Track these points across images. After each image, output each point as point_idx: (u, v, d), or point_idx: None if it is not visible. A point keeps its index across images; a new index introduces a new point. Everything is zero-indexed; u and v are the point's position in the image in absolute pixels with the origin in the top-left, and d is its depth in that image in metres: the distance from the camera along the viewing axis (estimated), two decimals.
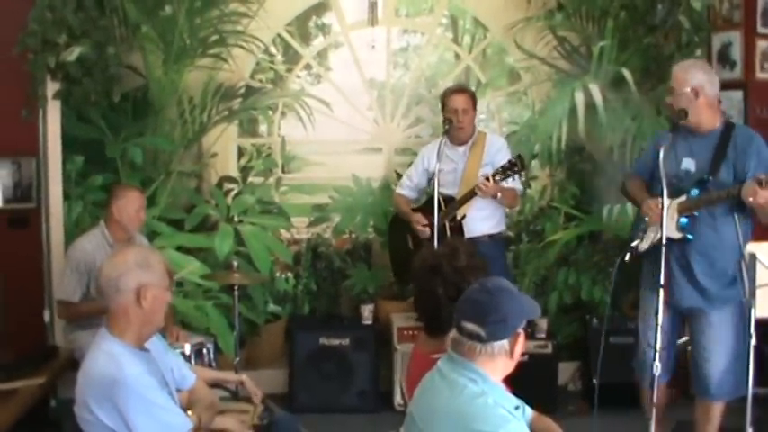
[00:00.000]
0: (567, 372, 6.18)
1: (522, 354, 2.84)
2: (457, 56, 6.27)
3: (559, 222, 6.43)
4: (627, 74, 6.24)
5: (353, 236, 6.16)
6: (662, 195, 4.09)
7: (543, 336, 5.89)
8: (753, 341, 3.98)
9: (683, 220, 4.44)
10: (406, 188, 5.74)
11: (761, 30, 6.41)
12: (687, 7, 6.37)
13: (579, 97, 6.35)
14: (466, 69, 6.26)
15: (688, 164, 4.48)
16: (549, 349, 5.89)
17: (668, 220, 4.23)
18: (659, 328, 4.11)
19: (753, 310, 3.96)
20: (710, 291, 4.33)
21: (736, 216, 4.40)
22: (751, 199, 4.11)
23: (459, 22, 6.27)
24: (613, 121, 6.33)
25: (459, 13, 6.24)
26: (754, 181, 4.10)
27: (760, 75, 6.46)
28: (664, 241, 4.13)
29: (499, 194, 5.33)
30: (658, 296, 4.24)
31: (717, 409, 4.67)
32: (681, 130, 4.48)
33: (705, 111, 4.48)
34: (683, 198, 4.43)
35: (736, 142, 4.43)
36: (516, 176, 5.37)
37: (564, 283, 6.30)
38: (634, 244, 4.59)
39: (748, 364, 4.14)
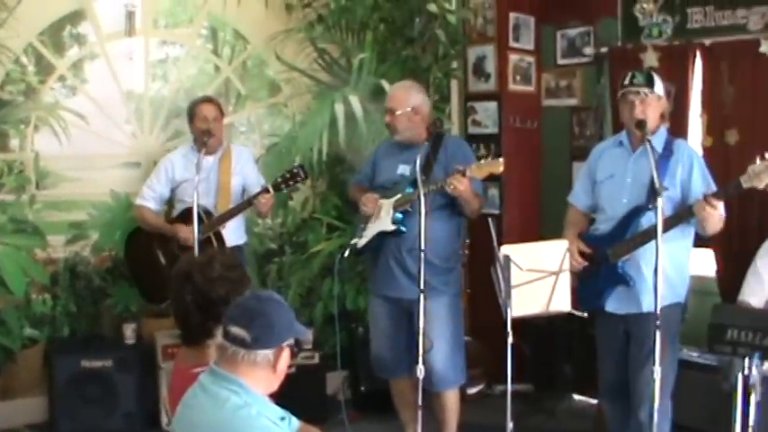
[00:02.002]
0: (335, 381, 6.21)
1: (290, 366, 2.82)
2: (217, 68, 6.19)
3: (322, 233, 6.49)
4: (386, 85, 6.36)
5: (113, 253, 5.93)
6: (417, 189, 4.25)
7: (310, 347, 5.89)
8: (510, 339, 4.13)
9: (398, 215, 4.85)
10: (150, 200, 5.57)
11: (513, 44, 6.74)
12: (444, 21, 6.62)
13: (339, 109, 6.44)
14: (226, 81, 6.20)
15: (404, 169, 4.93)
16: (317, 360, 5.92)
17: (384, 217, 4.86)
18: (421, 331, 4.31)
19: (509, 310, 4.11)
20: (424, 282, 4.44)
21: (447, 211, 4.89)
22: (451, 188, 4.55)
23: (220, 33, 6.19)
24: (373, 131, 6.44)
25: (219, 24, 6.16)
26: (456, 171, 4.55)
27: (513, 86, 6.77)
28: (422, 242, 4.26)
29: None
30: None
31: (449, 399, 5.08)
32: (397, 142, 5.04)
33: (420, 126, 4.92)
34: (398, 196, 4.84)
35: (447, 148, 4.92)
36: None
37: (329, 293, 6.34)
38: (353, 242, 5.07)
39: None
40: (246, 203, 5.34)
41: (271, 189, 5.25)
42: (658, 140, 4.45)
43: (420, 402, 4.39)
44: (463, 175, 4.53)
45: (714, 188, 4.35)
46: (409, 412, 5.03)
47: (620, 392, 4.62)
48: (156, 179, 5.57)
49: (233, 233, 5.48)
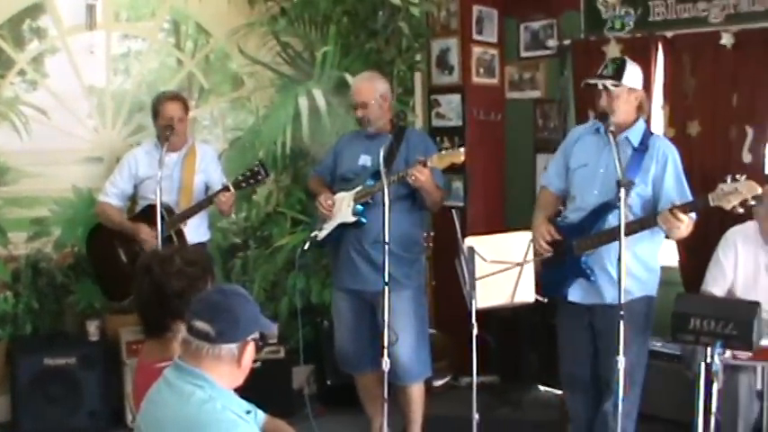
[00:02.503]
0: (301, 375, 6.19)
1: (255, 360, 2.80)
2: (179, 61, 6.14)
3: (286, 227, 6.48)
4: (350, 78, 6.34)
5: (76, 249, 5.88)
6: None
7: (275, 341, 5.86)
8: (475, 331, 4.14)
9: (359, 206, 4.86)
10: (113, 196, 5.51)
11: (476, 37, 6.75)
12: (407, 14, 6.60)
13: (303, 102, 6.43)
14: (188, 75, 6.15)
15: (365, 160, 4.96)
16: (282, 354, 5.90)
17: (345, 209, 4.86)
18: (386, 324, 4.31)
19: (474, 301, 4.12)
20: (389, 274, 4.42)
21: (409, 202, 4.90)
22: (413, 178, 4.56)
23: (182, 27, 6.14)
24: (337, 125, 6.44)
25: (181, 18, 6.12)
26: (417, 161, 4.56)
27: (476, 79, 6.79)
28: (387, 235, 4.26)
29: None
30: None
31: (414, 392, 5.09)
32: (359, 133, 5.10)
33: (387, 114, 4.98)
34: (360, 188, 4.85)
35: (409, 140, 4.92)
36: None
37: (294, 287, 6.33)
38: (313, 234, 5.06)
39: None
40: (207, 201, 5.31)
41: (231, 187, 5.22)
42: (635, 134, 4.43)
43: (386, 396, 4.39)
44: (424, 165, 4.55)
45: (687, 191, 4.35)
46: (375, 406, 5.04)
47: (581, 384, 4.65)
48: (119, 175, 5.52)
49: (195, 231, 5.44)
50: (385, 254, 4.32)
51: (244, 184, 5.26)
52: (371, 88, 4.99)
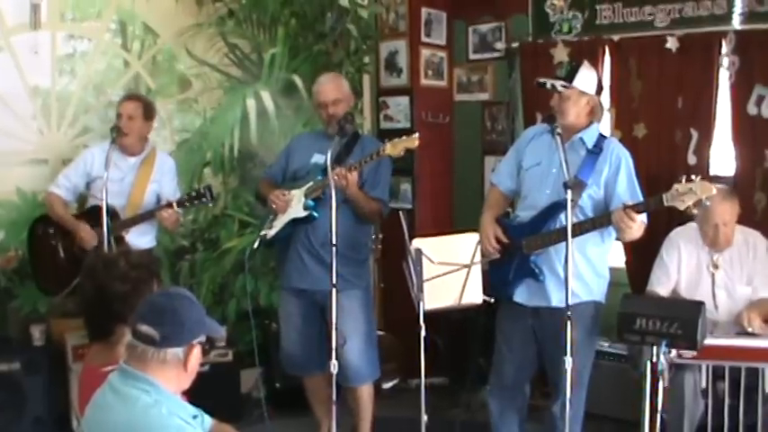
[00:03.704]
0: (250, 379, 6.16)
1: (203, 364, 2.78)
2: (126, 62, 6.08)
3: (234, 229, 6.44)
4: (298, 80, 6.35)
5: (20, 253, 5.78)
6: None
7: (223, 344, 5.83)
8: (423, 333, 4.13)
9: (310, 201, 4.83)
10: (63, 188, 5.42)
11: (425, 39, 6.79)
12: (355, 16, 6.62)
13: (251, 104, 6.39)
14: (135, 76, 6.09)
15: (318, 158, 4.90)
16: (230, 357, 5.86)
17: (295, 205, 4.84)
18: (334, 326, 4.29)
19: (421, 303, 4.12)
20: (338, 273, 4.41)
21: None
22: (335, 180, 4.48)
23: (129, 27, 6.08)
24: (285, 127, 6.42)
25: (128, 18, 6.05)
26: (342, 167, 4.59)
27: (425, 81, 6.82)
28: (334, 236, 4.26)
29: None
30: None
31: (364, 393, 5.11)
32: (314, 133, 5.21)
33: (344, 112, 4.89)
34: (310, 183, 4.83)
35: (364, 145, 4.92)
36: None
37: (242, 290, 6.29)
38: (263, 233, 5.03)
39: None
40: (149, 214, 5.27)
41: (174, 204, 5.19)
42: (589, 136, 4.43)
43: (334, 398, 4.38)
44: (350, 170, 4.56)
45: (639, 194, 4.35)
46: (323, 408, 5.03)
47: (511, 391, 4.67)
48: (74, 170, 5.43)
49: (139, 237, 5.36)
50: (333, 254, 4.30)
51: (187, 204, 5.25)
52: (341, 85, 5.03)
